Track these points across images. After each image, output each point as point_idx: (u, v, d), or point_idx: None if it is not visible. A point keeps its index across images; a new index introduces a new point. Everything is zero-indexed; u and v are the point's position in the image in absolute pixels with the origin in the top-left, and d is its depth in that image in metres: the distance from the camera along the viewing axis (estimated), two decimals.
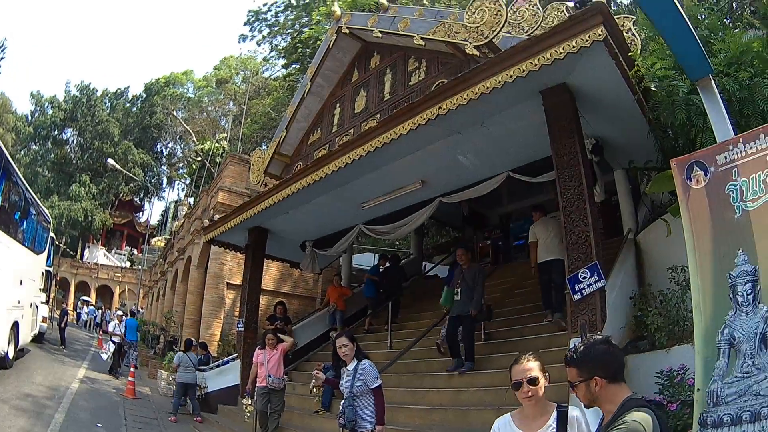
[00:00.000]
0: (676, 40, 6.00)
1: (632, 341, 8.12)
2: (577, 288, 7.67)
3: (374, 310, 17.41)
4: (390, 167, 11.77)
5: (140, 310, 44.64)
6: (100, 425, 13.23)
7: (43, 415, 12.78)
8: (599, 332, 7.10)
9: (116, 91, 79.98)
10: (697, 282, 4.82)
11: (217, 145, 53.15)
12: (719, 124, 5.76)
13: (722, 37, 8.08)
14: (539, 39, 7.92)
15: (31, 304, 20.52)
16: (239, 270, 21.29)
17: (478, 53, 12.41)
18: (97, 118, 70.94)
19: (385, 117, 11.49)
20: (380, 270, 18.48)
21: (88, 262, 72.00)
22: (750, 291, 4.37)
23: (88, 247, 76.80)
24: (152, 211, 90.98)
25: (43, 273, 23.43)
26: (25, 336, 19.93)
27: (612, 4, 24.45)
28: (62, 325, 29.77)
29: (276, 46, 51.15)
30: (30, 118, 72.77)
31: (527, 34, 11.93)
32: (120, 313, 29.76)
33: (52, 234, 26.40)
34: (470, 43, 12.56)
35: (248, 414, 12.36)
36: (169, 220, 77.07)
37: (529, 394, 3.89)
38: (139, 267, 55.01)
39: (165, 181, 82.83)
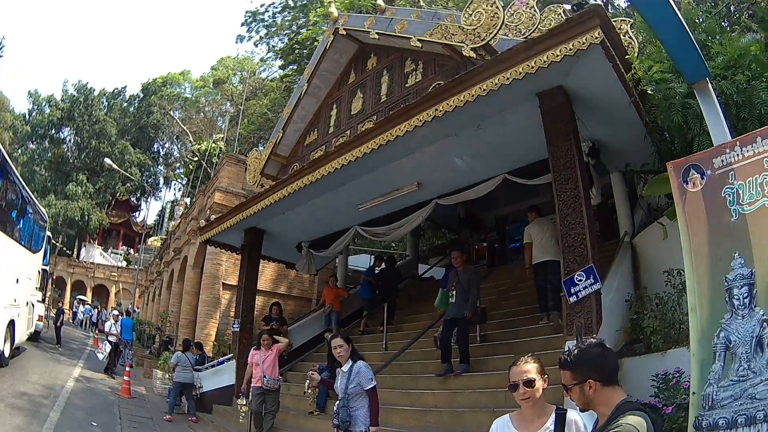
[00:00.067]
0: (674, 43, 5.99)
1: (628, 344, 8.12)
2: (572, 290, 7.66)
3: (370, 312, 17.42)
4: (386, 169, 11.76)
5: (136, 309, 44.62)
6: (95, 424, 13.24)
7: (38, 413, 12.79)
8: (594, 335, 7.09)
9: (113, 91, 79.86)
10: (693, 285, 4.83)
11: (213, 145, 53.22)
12: (716, 127, 5.76)
13: (720, 41, 8.08)
14: (536, 41, 7.91)
15: (27, 303, 20.48)
16: (235, 270, 21.32)
17: (474, 55, 12.40)
18: (95, 117, 70.89)
19: (382, 118, 11.50)
20: (376, 271, 18.47)
21: (85, 261, 72.04)
22: (746, 294, 4.38)
23: (85, 246, 76.78)
24: (149, 211, 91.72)
25: (39, 272, 23.38)
26: (21, 334, 19.90)
27: (609, 7, 24.48)
28: (58, 323, 29.80)
29: (273, 47, 51.11)
30: (27, 116, 72.68)
31: (524, 36, 11.91)
32: (116, 312, 29.72)
33: (48, 233, 26.42)
34: (467, 45, 12.55)
35: (243, 414, 12.38)
36: (166, 220, 76.79)
37: (526, 396, 3.92)
38: (136, 266, 55.00)
39: (162, 181, 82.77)
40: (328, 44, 17.73)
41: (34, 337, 25.41)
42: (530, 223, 11.84)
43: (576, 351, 3.44)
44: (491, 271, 17.60)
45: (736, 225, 4.63)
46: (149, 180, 78.94)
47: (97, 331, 39.04)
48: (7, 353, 17.20)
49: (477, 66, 8.96)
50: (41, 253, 23.03)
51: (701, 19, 9.12)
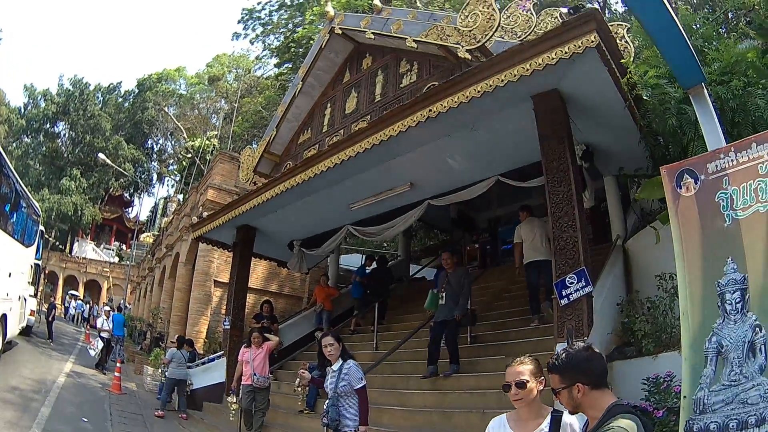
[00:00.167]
0: (670, 48, 6.00)
1: (619, 347, 8.13)
2: (564, 293, 7.66)
3: (361, 311, 17.43)
4: (379, 168, 11.77)
5: (128, 305, 44.56)
6: (85, 420, 13.23)
7: (29, 408, 12.80)
8: (585, 337, 7.12)
9: (109, 86, 79.68)
10: (685, 289, 4.83)
11: (207, 142, 53.13)
12: (711, 132, 5.77)
13: (716, 47, 8.09)
14: (532, 44, 7.92)
15: (19, 297, 20.41)
16: (227, 268, 21.30)
17: (470, 57, 12.40)
18: (89, 112, 70.63)
19: (376, 118, 11.49)
20: (367, 271, 18.48)
21: (77, 257, 71.80)
22: (739, 299, 4.38)
23: (77, 241, 76.65)
24: (142, 207, 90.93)
25: (31, 266, 23.32)
26: (13, 329, 19.84)
27: (606, 12, 24.53)
28: (50, 318, 29.73)
29: (269, 45, 51.10)
30: (23, 110, 72.27)
31: (520, 39, 11.96)
32: (107, 308, 29.67)
33: (41, 227, 26.29)
34: (462, 47, 12.55)
35: (233, 412, 12.37)
36: (158, 216, 76.93)
37: (518, 397, 3.92)
38: (128, 262, 54.91)
39: (155, 177, 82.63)
40: (324, 43, 17.71)
41: (26, 332, 25.35)
42: (521, 223, 11.88)
43: (564, 355, 3.45)
44: (483, 273, 17.62)
45: (730, 230, 4.63)
46: (143, 176, 78.74)
47: (88, 327, 39.00)
48: None
49: (472, 68, 8.94)
50: (34, 247, 22.93)
51: (698, 25, 9.12)
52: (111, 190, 74.56)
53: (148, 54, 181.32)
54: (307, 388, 11.93)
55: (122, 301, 39.31)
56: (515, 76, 7.84)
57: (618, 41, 9.87)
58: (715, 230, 4.75)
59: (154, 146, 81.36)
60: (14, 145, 69.19)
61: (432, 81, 13.80)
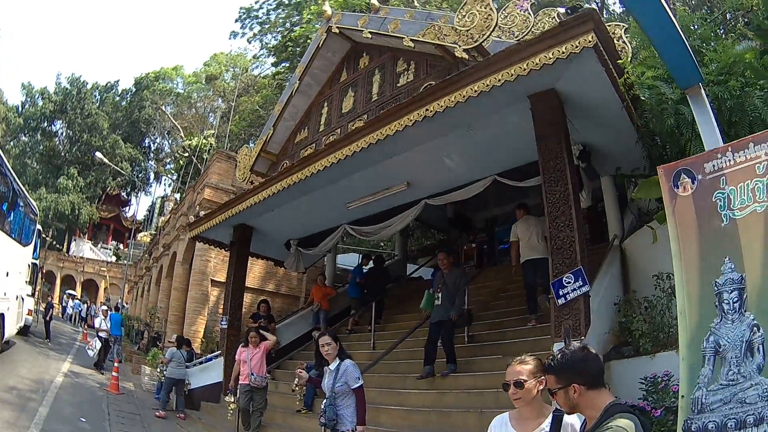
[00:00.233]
0: (667, 48, 6.00)
1: (616, 347, 8.13)
2: (561, 293, 7.66)
3: (358, 311, 17.40)
4: (376, 168, 11.77)
5: (125, 305, 44.53)
6: (83, 420, 13.21)
7: (27, 408, 12.76)
8: (582, 337, 7.13)
9: (106, 85, 79.77)
10: (683, 289, 4.83)
11: (204, 141, 53.23)
12: (708, 132, 5.77)
13: (714, 48, 8.09)
14: (529, 44, 7.91)
15: (17, 297, 20.44)
16: (224, 267, 21.29)
17: (467, 56, 12.41)
18: (87, 111, 70.61)
19: (373, 117, 11.48)
20: (364, 270, 18.47)
21: (75, 256, 71.83)
22: (736, 299, 4.38)
23: (75, 240, 76.59)
24: (139, 206, 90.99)
25: (29, 265, 23.26)
26: (11, 328, 19.83)
27: (604, 12, 24.55)
28: (47, 318, 29.69)
29: (266, 44, 51.16)
30: (20, 109, 72.31)
31: (517, 39, 11.97)
32: (105, 308, 29.61)
33: (38, 226, 26.33)
34: (459, 46, 12.56)
35: (231, 411, 12.36)
36: (156, 215, 76.81)
37: (516, 396, 3.91)
38: (125, 262, 54.99)
39: (152, 176, 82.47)
40: (321, 42, 17.71)
41: (24, 332, 25.31)
42: (517, 221, 11.88)
43: (559, 355, 3.47)
44: (480, 272, 17.63)
45: (727, 230, 4.63)
46: (140, 175, 78.74)
47: (86, 326, 38.98)
48: None
49: (469, 67, 8.95)
50: (31, 246, 22.96)
51: (696, 26, 9.13)
52: (108, 189, 74.64)
53: (146, 53, 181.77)
54: (305, 388, 11.94)
55: (119, 301, 39.26)
56: (512, 75, 7.84)
57: (615, 41, 9.87)
58: (713, 230, 4.75)
59: (152, 145, 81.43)
60: (12, 143, 69.21)
61: (429, 80, 13.81)
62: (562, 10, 12.79)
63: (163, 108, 69.05)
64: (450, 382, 10.54)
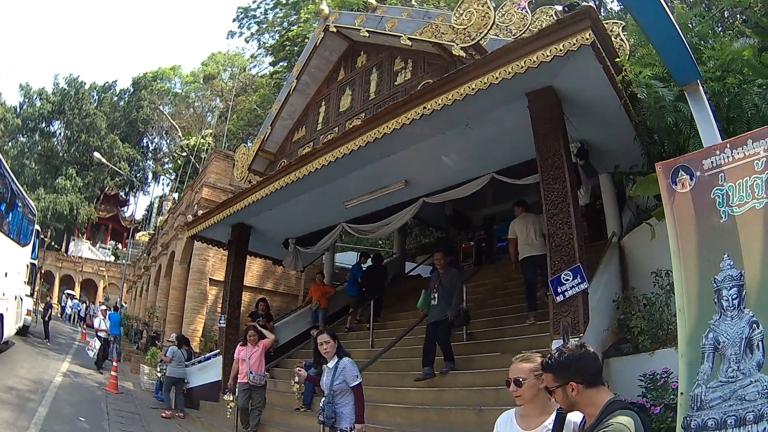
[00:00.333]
0: (665, 45, 5.98)
1: (615, 344, 8.14)
2: (559, 290, 7.67)
3: (356, 309, 17.41)
4: (374, 166, 11.78)
5: (124, 304, 44.54)
6: (83, 419, 13.22)
7: (26, 408, 12.78)
8: (581, 334, 7.13)
9: (104, 85, 79.98)
10: (682, 286, 4.82)
11: (202, 140, 53.18)
12: (706, 129, 5.76)
13: (712, 45, 8.09)
14: (526, 42, 7.91)
15: (15, 297, 20.44)
16: (222, 266, 21.26)
17: (464, 55, 12.39)
18: (85, 111, 70.86)
19: (370, 116, 11.48)
20: (362, 268, 18.48)
21: (73, 256, 71.69)
22: (735, 296, 4.37)
23: (73, 240, 76.47)
24: (137, 206, 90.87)
25: (27, 266, 23.29)
26: (10, 329, 19.84)
27: (602, 10, 24.53)
28: (46, 318, 29.74)
29: (264, 43, 51.29)
30: (18, 109, 72.46)
31: (515, 36, 11.92)
32: (104, 307, 29.60)
33: (37, 227, 26.37)
34: (457, 45, 12.54)
35: (230, 410, 12.35)
36: (154, 215, 76.82)
37: (515, 394, 3.92)
38: (123, 261, 54.92)
39: (150, 175, 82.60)
40: (318, 41, 17.68)
41: (23, 332, 25.35)
42: (515, 219, 11.89)
43: (557, 354, 3.47)
44: (478, 270, 17.65)
45: (726, 226, 4.62)
46: (138, 175, 78.93)
47: (85, 326, 38.98)
48: None
49: (467, 65, 8.96)
50: (30, 247, 22.98)
51: (694, 24, 9.13)
52: (106, 189, 74.64)
53: (144, 52, 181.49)
54: (304, 386, 11.94)
55: (118, 300, 39.27)
56: (510, 73, 7.83)
57: (613, 39, 9.85)
58: (711, 227, 4.74)
59: (150, 145, 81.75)
60: (10, 144, 69.46)
61: (426, 79, 13.79)
62: (559, 8, 12.76)
63: (161, 108, 69.08)
64: (449, 380, 10.55)
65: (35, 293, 30.75)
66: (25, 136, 72.35)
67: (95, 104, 75.23)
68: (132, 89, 76.99)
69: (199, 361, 17.47)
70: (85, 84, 75.24)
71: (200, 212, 17.22)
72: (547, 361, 3.51)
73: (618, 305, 8.73)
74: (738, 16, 11.69)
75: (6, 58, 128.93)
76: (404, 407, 10.33)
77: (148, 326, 30.64)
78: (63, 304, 54.10)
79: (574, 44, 7.17)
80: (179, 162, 62.22)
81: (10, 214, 18.31)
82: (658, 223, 7.86)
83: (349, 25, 16.54)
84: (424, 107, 9.00)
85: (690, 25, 8.89)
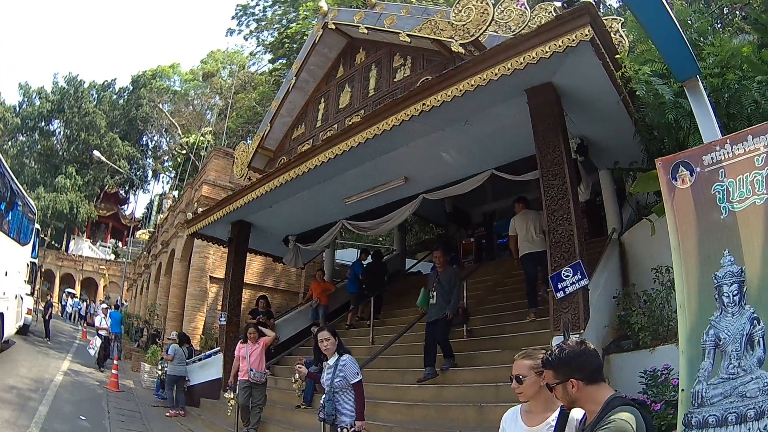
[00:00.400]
0: (665, 40, 5.98)
1: (616, 340, 8.13)
2: (559, 286, 7.68)
3: (357, 306, 17.44)
4: (373, 163, 11.80)
5: (124, 302, 44.54)
6: (83, 418, 13.24)
7: (27, 407, 12.79)
8: (581, 331, 7.14)
9: (103, 83, 79.84)
10: (682, 282, 4.81)
11: (202, 138, 53.15)
12: (706, 124, 5.75)
13: (711, 41, 8.08)
14: (525, 38, 7.92)
15: (16, 296, 20.48)
16: (222, 263, 21.31)
17: (463, 51, 12.38)
18: (84, 109, 70.85)
19: (369, 113, 11.47)
20: (363, 265, 18.48)
21: (73, 255, 71.74)
22: (736, 292, 4.36)
23: (73, 239, 76.53)
24: (137, 204, 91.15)
25: (28, 265, 23.32)
26: (10, 328, 19.86)
27: (601, 7, 24.52)
28: (47, 317, 29.70)
29: (263, 40, 51.14)
30: (18, 109, 72.44)
31: (514, 33, 11.93)
32: (105, 306, 29.60)
33: (37, 225, 26.37)
34: (456, 41, 12.53)
35: (231, 408, 12.34)
36: (154, 213, 76.87)
37: (517, 391, 3.95)
38: (124, 260, 54.94)
39: (150, 173, 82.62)
40: (317, 38, 17.66)
41: (23, 331, 25.35)
42: (516, 215, 11.87)
43: (557, 350, 3.46)
44: (478, 266, 17.60)
45: (726, 222, 4.61)
46: (138, 173, 78.94)
47: (85, 325, 38.98)
48: None
49: (465, 61, 8.96)
50: (30, 246, 23.01)
51: (693, 20, 9.12)
52: (106, 187, 74.65)
53: (143, 51, 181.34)
54: (304, 383, 11.94)
55: (119, 299, 39.27)
56: (509, 69, 7.83)
57: (612, 35, 9.86)
58: (712, 223, 4.73)
59: (149, 143, 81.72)
60: (9, 143, 69.54)
61: (426, 75, 13.76)
62: (558, 4, 12.80)
63: (161, 106, 69.07)
64: (449, 377, 10.56)
65: (35, 292, 30.72)
66: (25, 135, 72.37)
67: (94, 103, 75.17)
68: (131, 87, 77.01)
69: (200, 359, 17.50)
70: (84, 82, 75.33)
71: (200, 210, 17.25)
72: (547, 357, 3.49)
73: (618, 302, 8.73)
74: (737, 12, 11.68)
75: (5, 57, 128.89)
76: (405, 404, 10.33)
77: (149, 324, 30.70)
78: (63, 302, 54.10)
79: (573, 40, 7.17)
80: (179, 160, 62.13)
81: (10, 213, 18.33)
82: (658, 220, 7.84)
83: (348, 21, 16.52)
84: (424, 104, 8.99)
85: (689, 22, 8.88)
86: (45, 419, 12.11)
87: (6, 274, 18.03)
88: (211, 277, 23.76)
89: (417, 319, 13.31)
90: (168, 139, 75.55)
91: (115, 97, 79.51)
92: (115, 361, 19.70)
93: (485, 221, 20.34)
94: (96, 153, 48.52)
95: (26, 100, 73.16)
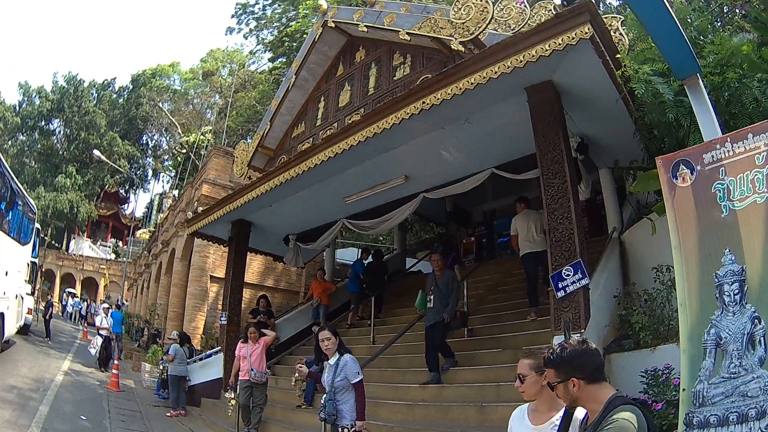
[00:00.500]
0: (665, 38, 5.96)
1: (616, 340, 8.13)
2: (560, 285, 7.67)
3: (357, 305, 17.45)
4: (374, 162, 11.81)
5: (125, 302, 44.54)
6: (84, 418, 13.24)
7: (27, 407, 12.78)
8: (582, 330, 7.13)
9: (103, 82, 79.68)
10: (683, 281, 4.79)
11: (202, 137, 53.15)
12: (706, 123, 5.73)
13: (711, 40, 8.06)
14: (525, 36, 7.91)
15: (16, 296, 20.47)
16: (223, 263, 21.34)
17: (463, 49, 12.37)
18: (84, 109, 70.80)
19: (369, 111, 11.46)
20: (364, 264, 18.48)
21: (74, 254, 71.69)
22: (737, 291, 4.35)
23: (74, 238, 76.52)
24: (137, 203, 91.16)
25: (28, 264, 23.29)
26: (11, 327, 19.86)
27: (601, 5, 24.50)
28: (47, 317, 29.72)
29: (263, 39, 51.21)
30: (17, 108, 72.36)
31: (513, 31, 11.90)
32: (105, 305, 29.60)
33: (37, 225, 26.37)
34: (456, 39, 12.51)
35: (231, 407, 12.32)
36: (154, 212, 76.94)
37: (520, 390, 4.03)
38: (124, 259, 54.93)
39: (150, 173, 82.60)
40: (317, 37, 17.64)
41: (24, 331, 25.31)
42: (517, 215, 11.87)
43: (558, 350, 3.46)
44: (479, 266, 17.62)
45: (727, 221, 4.60)
46: (138, 172, 78.83)
47: (86, 324, 38.98)
48: None
49: (465, 59, 8.95)
50: (30, 245, 23.01)
51: (693, 18, 9.10)
52: (106, 186, 74.58)
53: (143, 50, 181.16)
54: (305, 383, 11.93)
55: (119, 298, 39.29)
56: (509, 67, 7.83)
57: (612, 33, 9.82)
58: (712, 221, 4.71)
59: (149, 142, 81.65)
60: (9, 143, 69.43)
61: (425, 73, 13.75)
62: (558, 2, 12.80)
63: (161, 105, 69.01)
64: (450, 376, 10.57)
65: (36, 292, 30.68)
66: (25, 134, 72.31)
67: (94, 102, 75.11)
68: (131, 86, 77.00)
69: (201, 359, 17.50)
70: (84, 82, 75.19)
71: (200, 209, 17.27)
72: (548, 356, 3.50)
73: (619, 301, 8.72)
74: (737, 10, 11.66)
75: (5, 57, 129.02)
76: (405, 404, 10.33)
77: (149, 324, 30.69)
78: (64, 302, 54.06)
79: (573, 38, 7.17)
80: (179, 159, 62.18)
81: (11, 213, 18.33)
82: (658, 218, 7.83)
83: (348, 20, 16.50)
84: (424, 102, 8.99)
85: (689, 20, 8.86)
86: (45, 419, 12.11)
87: (6, 274, 18.03)
88: (211, 276, 23.77)
89: (417, 318, 13.32)
90: (168, 138, 75.60)
91: (115, 96, 79.42)
92: (115, 361, 19.71)
93: (486, 220, 20.32)
94: (96, 152, 48.58)
95: (26, 99, 73.11)
